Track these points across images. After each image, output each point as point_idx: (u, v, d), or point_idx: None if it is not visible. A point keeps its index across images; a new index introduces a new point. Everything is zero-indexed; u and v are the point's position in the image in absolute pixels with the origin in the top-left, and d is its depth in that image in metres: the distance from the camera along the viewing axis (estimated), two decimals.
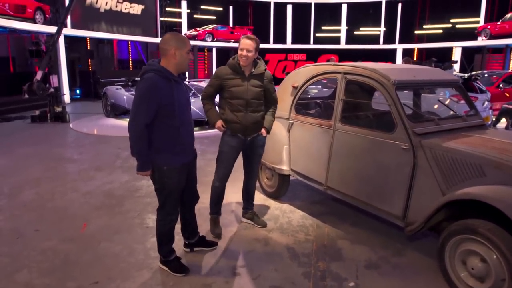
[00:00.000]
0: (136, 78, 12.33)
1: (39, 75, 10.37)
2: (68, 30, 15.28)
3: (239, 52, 3.32)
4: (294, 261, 3.21)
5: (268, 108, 3.60)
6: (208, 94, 3.50)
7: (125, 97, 10.63)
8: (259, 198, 4.63)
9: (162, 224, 2.94)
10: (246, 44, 3.30)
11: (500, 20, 18.32)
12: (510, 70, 17.49)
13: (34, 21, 13.89)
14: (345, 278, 2.96)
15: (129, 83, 12.11)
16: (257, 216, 3.93)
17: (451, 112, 4.42)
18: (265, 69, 3.49)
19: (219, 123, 3.45)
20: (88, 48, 18.98)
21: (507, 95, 10.73)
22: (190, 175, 3.03)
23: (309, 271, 3.05)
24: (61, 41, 14.97)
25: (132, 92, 10.54)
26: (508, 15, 18.01)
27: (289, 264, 3.16)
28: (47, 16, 14.61)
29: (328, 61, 17.20)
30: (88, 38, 18.53)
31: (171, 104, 2.67)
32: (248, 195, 3.89)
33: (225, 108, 3.45)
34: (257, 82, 3.43)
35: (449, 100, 6.81)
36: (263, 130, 3.55)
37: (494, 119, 9.03)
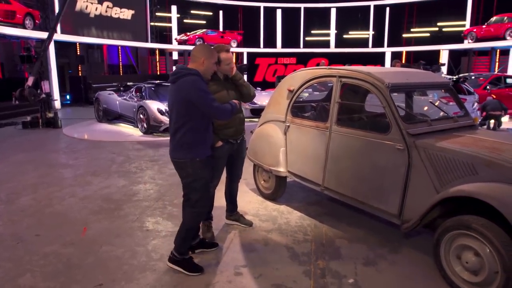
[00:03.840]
0: (129, 83, 12.37)
1: (30, 81, 10.32)
2: (58, 36, 15.22)
3: (226, 66, 3.38)
4: (294, 260, 3.28)
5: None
6: None
7: (117, 102, 10.62)
8: (257, 200, 4.71)
9: (195, 216, 3.07)
10: (231, 58, 3.42)
11: (486, 24, 18.74)
12: (496, 72, 17.86)
13: (23, 26, 13.84)
14: (344, 275, 3.04)
15: (121, 88, 12.10)
16: (242, 217, 4.01)
17: (442, 113, 4.56)
18: None
19: (220, 143, 3.48)
20: (78, 53, 18.90)
21: (494, 96, 11.00)
22: None
23: (309, 270, 3.13)
24: (51, 46, 14.89)
25: (124, 97, 10.53)
26: (493, 19, 18.44)
27: (290, 263, 3.24)
28: (37, 21, 14.55)
29: (317, 65, 17.40)
30: (78, 44, 18.46)
31: None
32: (232, 197, 3.96)
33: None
34: (232, 85, 3.52)
35: (438, 101, 6.98)
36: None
37: (480, 121, 9.31)
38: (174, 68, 3.02)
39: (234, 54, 24.47)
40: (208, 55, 2.98)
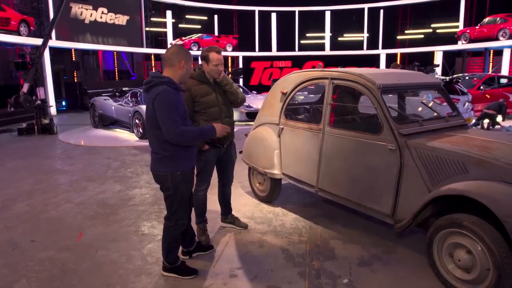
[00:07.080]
0: (125, 89, 12.37)
1: (25, 88, 10.33)
2: (53, 42, 15.21)
3: (214, 67, 3.35)
4: (289, 261, 3.30)
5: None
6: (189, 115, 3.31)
7: (113, 108, 10.63)
8: (252, 202, 4.73)
9: (173, 230, 2.98)
10: (220, 59, 3.37)
11: (479, 25, 18.89)
12: (490, 73, 17.99)
13: (18, 33, 13.83)
14: (339, 276, 3.06)
15: (117, 94, 12.10)
16: (237, 219, 4.02)
17: (435, 113, 4.60)
18: None
19: (206, 146, 3.44)
20: (73, 59, 18.88)
21: (488, 96, 11.08)
22: None
23: (304, 271, 3.14)
24: (46, 53, 14.89)
25: (120, 103, 10.54)
26: (486, 20, 18.59)
27: (285, 264, 3.25)
28: (32, 28, 14.55)
29: (313, 67, 17.50)
30: (73, 50, 18.45)
31: (184, 111, 2.81)
32: (225, 201, 3.97)
33: (199, 120, 3.44)
34: (221, 89, 3.52)
35: (432, 102, 7.03)
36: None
37: (475, 121, 9.38)
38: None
39: (229, 58, 24.56)
40: (188, 57, 2.83)
